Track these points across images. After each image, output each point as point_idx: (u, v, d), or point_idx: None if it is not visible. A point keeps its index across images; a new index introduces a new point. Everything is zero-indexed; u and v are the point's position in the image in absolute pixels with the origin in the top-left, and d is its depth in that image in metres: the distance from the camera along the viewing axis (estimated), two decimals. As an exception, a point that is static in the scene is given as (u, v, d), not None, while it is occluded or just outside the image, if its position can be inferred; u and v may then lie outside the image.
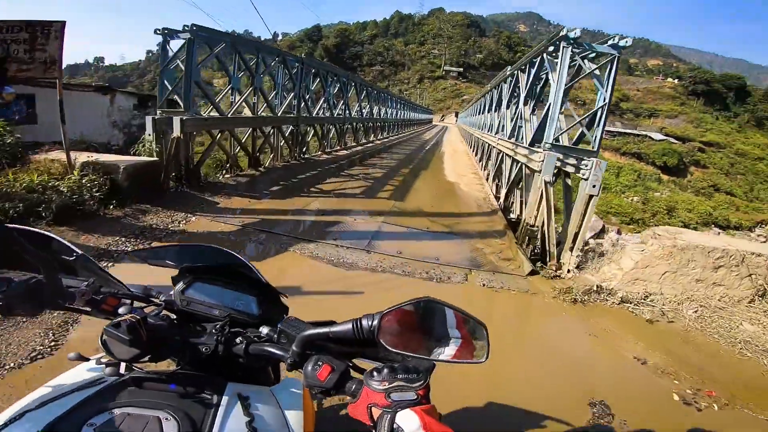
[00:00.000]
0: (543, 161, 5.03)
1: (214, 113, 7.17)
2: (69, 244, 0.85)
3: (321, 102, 11.84)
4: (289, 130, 9.72)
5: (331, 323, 0.74)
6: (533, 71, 6.89)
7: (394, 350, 0.67)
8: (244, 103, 7.91)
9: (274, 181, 7.57)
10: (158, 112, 6.19)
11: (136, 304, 0.85)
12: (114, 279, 0.88)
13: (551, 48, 5.77)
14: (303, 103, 10.04)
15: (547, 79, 6.57)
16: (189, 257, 1.00)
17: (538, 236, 5.08)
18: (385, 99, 23.79)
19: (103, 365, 0.74)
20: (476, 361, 0.69)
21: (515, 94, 8.54)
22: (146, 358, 0.72)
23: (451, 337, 0.70)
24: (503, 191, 8.15)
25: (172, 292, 0.93)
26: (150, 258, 0.99)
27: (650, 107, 60.43)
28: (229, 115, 7.31)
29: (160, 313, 0.80)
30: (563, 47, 5.14)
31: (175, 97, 6.48)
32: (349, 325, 0.70)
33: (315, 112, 11.25)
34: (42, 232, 0.84)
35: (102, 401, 0.67)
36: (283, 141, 9.60)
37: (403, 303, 0.67)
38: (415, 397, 0.61)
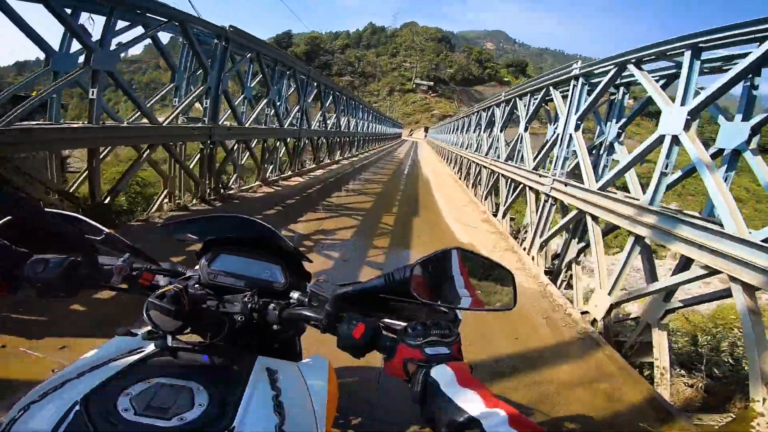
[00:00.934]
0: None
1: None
2: (96, 224, 0.87)
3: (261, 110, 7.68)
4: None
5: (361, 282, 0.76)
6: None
7: (424, 300, 0.70)
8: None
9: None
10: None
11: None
12: (144, 254, 0.88)
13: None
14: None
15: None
16: (212, 230, 0.98)
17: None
18: (356, 109, 19.11)
19: (149, 339, 0.72)
20: (504, 308, 0.75)
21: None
22: (187, 330, 0.72)
23: (479, 285, 0.74)
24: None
25: (197, 267, 0.92)
26: (175, 232, 0.97)
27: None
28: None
29: (195, 285, 0.80)
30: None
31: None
32: (382, 279, 0.72)
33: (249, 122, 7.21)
34: (69, 213, 0.87)
35: (138, 371, 0.67)
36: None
37: (433, 253, 0.70)
38: (449, 351, 0.64)
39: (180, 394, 0.61)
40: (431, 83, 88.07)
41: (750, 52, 2.97)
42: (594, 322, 3.76)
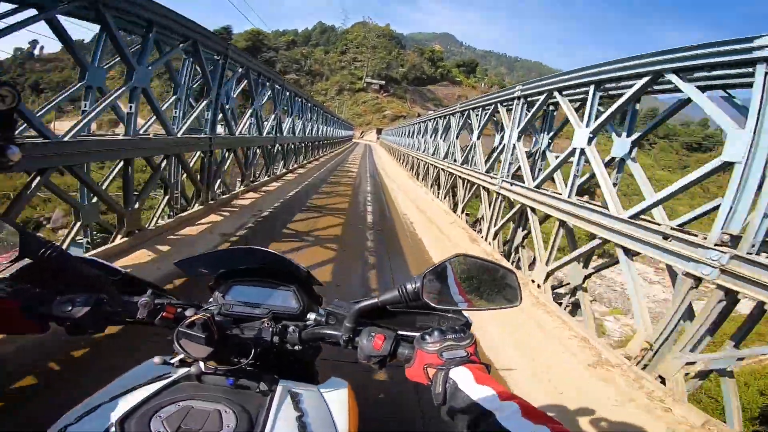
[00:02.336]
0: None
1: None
2: (113, 265, 0.92)
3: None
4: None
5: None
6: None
7: (437, 307, 0.75)
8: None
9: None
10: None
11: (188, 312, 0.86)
12: (162, 289, 0.92)
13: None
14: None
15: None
16: (223, 262, 1.05)
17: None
18: (305, 109, 16.61)
19: (180, 366, 0.78)
20: (511, 305, 0.79)
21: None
22: (216, 357, 0.76)
23: (485, 287, 0.78)
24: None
25: (210, 299, 0.99)
26: (189, 268, 1.02)
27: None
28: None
29: (218, 314, 0.85)
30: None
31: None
32: (396, 292, 0.78)
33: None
34: (88, 257, 0.91)
35: (168, 395, 0.71)
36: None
37: (440, 262, 0.76)
38: (465, 354, 0.70)
39: (209, 417, 0.66)
40: (383, 82, 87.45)
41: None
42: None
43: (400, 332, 0.82)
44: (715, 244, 2.97)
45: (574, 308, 5.43)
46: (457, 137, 10.55)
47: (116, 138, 4.55)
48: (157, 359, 0.81)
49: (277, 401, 0.74)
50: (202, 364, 0.77)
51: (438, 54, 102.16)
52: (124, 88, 4.26)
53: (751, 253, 2.72)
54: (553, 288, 5.81)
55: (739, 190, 2.89)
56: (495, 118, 8.75)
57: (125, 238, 4.55)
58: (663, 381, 3.16)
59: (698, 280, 3.13)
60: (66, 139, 3.63)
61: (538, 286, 5.14)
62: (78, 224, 4.52)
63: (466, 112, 9.72)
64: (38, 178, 3.46)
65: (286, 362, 0.90)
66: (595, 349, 3.54)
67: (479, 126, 8.67)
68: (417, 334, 0.77)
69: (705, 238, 3.13)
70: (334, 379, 0.95)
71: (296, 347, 0.88)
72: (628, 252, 3.81)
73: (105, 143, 4.23)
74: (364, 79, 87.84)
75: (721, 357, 3.19)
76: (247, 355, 0.80)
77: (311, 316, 0.92)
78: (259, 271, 1.02)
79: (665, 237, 3.39)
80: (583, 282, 4.92)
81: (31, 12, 3.41)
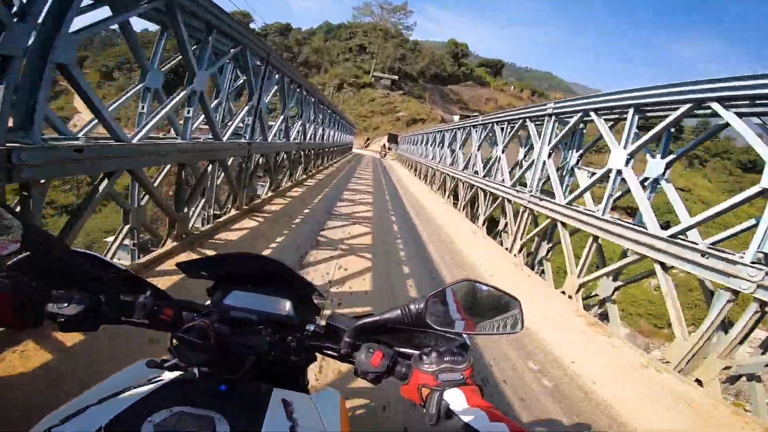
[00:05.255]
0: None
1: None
2: (114, 262, 0.90)
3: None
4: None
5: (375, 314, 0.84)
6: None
7: (438, 329, 0.77)
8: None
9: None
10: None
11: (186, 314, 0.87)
12: (161, 290, 0.90)
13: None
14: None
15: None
16: (224, 267, 1.07)
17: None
18: (324, 114, 14.62)
19: (173, 369, 0.80)
20: (512, 332, 0.80)
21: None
22: (211, 363, 0.77)
23: (488, 313, 0.81)
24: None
25: (207, 302, 1.00)
26: (190, 271, 1.03)
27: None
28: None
29: (216, 320, 0.84)
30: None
31: None
32: (398, 311, 0.80)
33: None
34: (88, 252, 0.88)
35: (159, 399, 0.72)
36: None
37: (445, 286, 0.79)
38: (461, 377, 0.72)
39: (201, 423, 0.67)
40: (395, 77, 69.74)
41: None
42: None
43: (397, 349, 0.84)
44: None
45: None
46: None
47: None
48: (148, 361, 0.82)
49: (271, 409, 0.76)
50: (196, 369, 0.80)
51: (462, 48, 79.77)
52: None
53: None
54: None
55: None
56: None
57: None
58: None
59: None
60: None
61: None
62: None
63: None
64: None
65: (280, 370, 0.91)
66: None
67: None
68: (415, 352, 0.80)
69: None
70: (327, 389, 0.99)
71: (293, 357, 0.90)
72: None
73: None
74: (372, 73, 70.34)
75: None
76: (243, 363, 0.81)
77: (310, 327, 0.94)
78: (260, 278, 1.03)
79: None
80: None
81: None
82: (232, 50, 5.49)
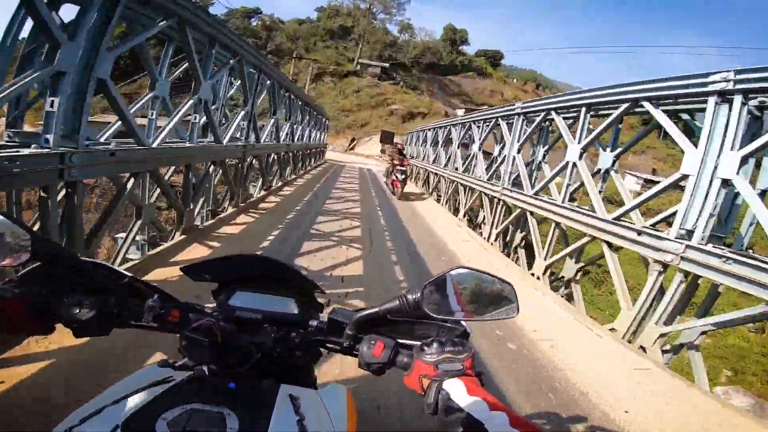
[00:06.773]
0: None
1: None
2: (120, 269, 0.93)
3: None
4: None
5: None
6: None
7: (436, 317, 0.80)
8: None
9: None
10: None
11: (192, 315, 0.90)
12: (167, 293, 0.94)
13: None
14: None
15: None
16: (227, 269, 1.10)
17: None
18: (304, 113, 13.72)
19: (184, 369, 0.86)
20: (508, 316, 0.83)
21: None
22: (219, 361, 0.82)
23: (483, 299, 0.82)
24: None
25: (215, 305, 1.04)
26: (194, 273, 1.06)
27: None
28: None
29: (222, 320, 0.87)
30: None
31: None
32: (396, 302, 0.82)
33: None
34: (95, 261, 0.93)
35: (172, 398, 0.74)
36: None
37: (440, 273, 0.81)
38: (462, 367, 0.74)
39: (212, 419, 0.70)
40: (385, 65, 57.43)
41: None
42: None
43: (400, 341, 0.87)
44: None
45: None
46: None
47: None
48: (159, 362, 0.87)
49: (279, 405, 0.78)
50: (205, 367, 0.83)
51: (461, 34, 66.18)
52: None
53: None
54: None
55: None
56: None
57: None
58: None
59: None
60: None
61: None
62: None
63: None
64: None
65: (287, 367, 0.93)
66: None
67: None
68: (417, 343, 0.82)
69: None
70: (333, 384, 1.02)
71: (297, 353, 0.93)
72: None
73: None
74: (357, 60, 57.40)
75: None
76: (250, 360, 0.85)
77: (313, 323, 0.97)
78: (263, 278, 1.06)
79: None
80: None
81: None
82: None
